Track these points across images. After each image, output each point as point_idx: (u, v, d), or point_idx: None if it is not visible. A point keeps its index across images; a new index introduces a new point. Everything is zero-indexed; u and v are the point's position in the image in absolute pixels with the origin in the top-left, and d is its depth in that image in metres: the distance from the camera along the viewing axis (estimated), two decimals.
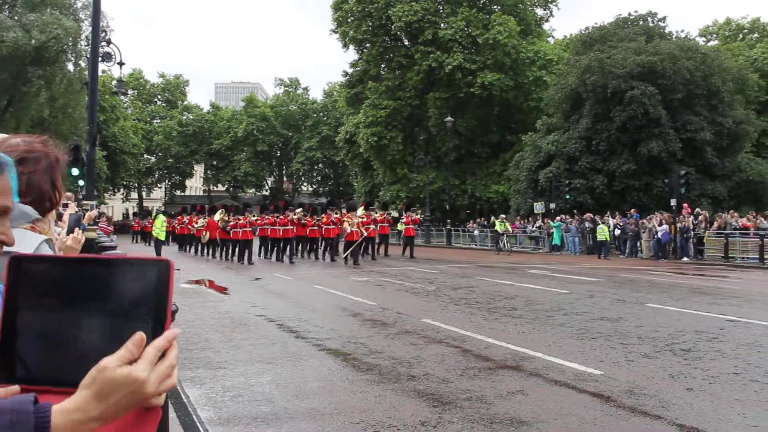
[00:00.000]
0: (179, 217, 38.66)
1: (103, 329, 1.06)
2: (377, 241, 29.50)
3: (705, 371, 7.49)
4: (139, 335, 1.02)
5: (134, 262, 1.09)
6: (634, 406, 6.15)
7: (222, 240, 29.19)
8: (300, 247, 29.26)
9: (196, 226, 33.29)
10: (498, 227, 34.60)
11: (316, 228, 29.04)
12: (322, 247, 29.85)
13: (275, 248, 28.21)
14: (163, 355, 1.05)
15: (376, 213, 29.82)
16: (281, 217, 27.61)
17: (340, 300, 14.60)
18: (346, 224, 26.05)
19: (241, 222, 27.19)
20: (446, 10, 49.46)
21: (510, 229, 35.88)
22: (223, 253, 29.22)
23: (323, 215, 29.25)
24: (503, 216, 37.17)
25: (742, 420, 5.77)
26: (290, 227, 27.27)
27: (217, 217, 29.48)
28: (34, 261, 1.14)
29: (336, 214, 28.36)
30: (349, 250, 25.58)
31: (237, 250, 27.51)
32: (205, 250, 31.68)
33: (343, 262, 25.85)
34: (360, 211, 28.08)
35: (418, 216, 32.17)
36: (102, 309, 1.06)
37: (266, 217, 28.39)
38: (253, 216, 28.55)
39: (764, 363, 7.91)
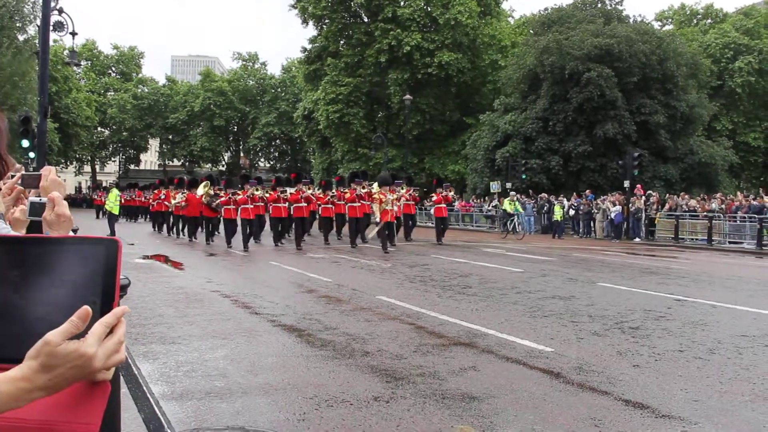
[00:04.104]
0: (155, 192, 32.91)
1: (50, 307, 1.07)
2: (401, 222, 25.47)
3: (651, 349, 7.69)
4: (85, 309, 1.04)
5: (82, 240, 1.10)
6: (583, 382, 6.30)
7: (206, 219, 24.65)
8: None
9: (173, 202, 27.76)
10: (507, 206, 30.25)
11: (330, 206, 25.23)
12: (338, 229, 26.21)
13: (277, 230, 23.60)
14: (111, 332, 1.08)
15: (402, 189, 24.57)
16: (292, 192, 23.07)
17: (296, 276, 14.59)
18: (386, 200, 21.65)
19: (241, 198, 22.42)
20: None
21: (521, 210, 30.97)
22: (213, 233, 24.66)
23: (346, 190, 25.07)
24: (513, 193, 31.89)
25: (684, 395, 5.95)
26: (303, 204, 22.65)
27: (200, 191, 24.62)
28: None
29: (363, 189, 23.83)
30: (375, 231, 22.57)
31: (233, 231, 22.63)
32: (186, 230, 26.68)
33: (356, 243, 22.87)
34: (375, 187, 23.66)
35: (450, 194, 27.78)
36: (49, 288, 1.07)
37: (266, 192, 23.95)
38: (257, 190, 23.39)
39: (707, 341, 8.15)
